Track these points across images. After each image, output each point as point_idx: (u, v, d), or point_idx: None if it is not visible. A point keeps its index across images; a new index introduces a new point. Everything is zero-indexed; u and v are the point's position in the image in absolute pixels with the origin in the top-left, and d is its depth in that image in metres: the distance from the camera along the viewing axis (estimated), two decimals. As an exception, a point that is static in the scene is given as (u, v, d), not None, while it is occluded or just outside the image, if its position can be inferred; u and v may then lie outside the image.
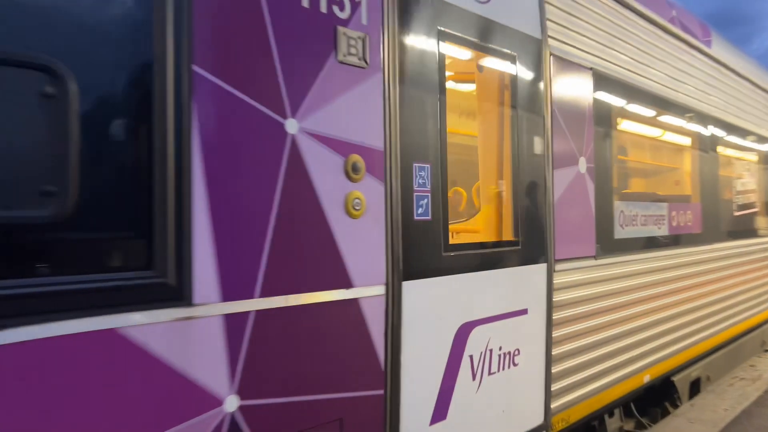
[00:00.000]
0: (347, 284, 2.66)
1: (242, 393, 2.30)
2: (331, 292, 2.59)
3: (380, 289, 2.80)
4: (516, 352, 3.64)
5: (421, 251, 3.01)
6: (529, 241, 3.73)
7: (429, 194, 3.05)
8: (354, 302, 2.69)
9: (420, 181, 3.00)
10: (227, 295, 2.25)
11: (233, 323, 2.27)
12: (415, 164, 2.97)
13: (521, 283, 3.68)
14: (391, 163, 2.86)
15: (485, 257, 3.42)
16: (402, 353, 2.90)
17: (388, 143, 2.84)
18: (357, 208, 2.69)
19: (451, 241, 3.20)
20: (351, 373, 2.69)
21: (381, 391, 2.82)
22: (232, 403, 2.27)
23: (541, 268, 3.83)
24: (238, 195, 2.28)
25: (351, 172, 2.66)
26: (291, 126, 2.46)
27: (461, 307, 3.25)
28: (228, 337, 2.26)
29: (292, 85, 2.47)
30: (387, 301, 2.83)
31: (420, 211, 3.00)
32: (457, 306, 3.22)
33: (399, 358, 2.88)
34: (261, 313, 2.35)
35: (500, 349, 3.52)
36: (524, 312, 3.71)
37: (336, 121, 2.62)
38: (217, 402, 2.23)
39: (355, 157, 2.69)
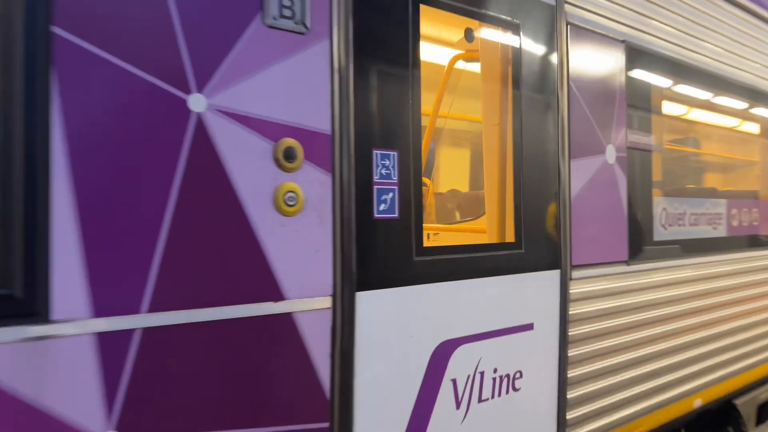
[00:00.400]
0: (276, 296, 2.19)
1: (123, 430, 1.88)
2: (252, 305, 2.13)
3: (324, 302, 2.32)
4: (517, 375, 3.07)
5: (383, 256, 2.51)
6: (534, 243, 3.14)
7: (396, 187, 2.54)
8: (286, 317, 2.22)
9: (383, 171, 2.49)
10: (101, 310, 1.83)
11: (110, 343, 1.85)
12: (376, 151, 2.47)
13: (524, 294, 3.10)
14: (342, 150, 2.36)
15: (474, 263, 2.87)
16: (355, 378, 2.41)
17: (338, 126, 2.35)
18: (291, 203, 2.21)
19: (429, 244, 2.68)
20: (281, 404, 2.22)
21: (325, 424, 2.34)
22: (109, 442, 1.86)
23: (551, 276, 3.24)
24: (117, 189, 1.86)
25: (282, 160, 2.19)
26: (196, 103, 2.01)
27: (440, 322, 2.72)
28: (103, 360, 1.84)
29: (198, 53, 2.02)
30: (334, 315, 2.34)
31: (382, 207, 2.49)
32: (435, 321, 2.69)
33: (351, 383, 2.39)
34: (151, 332, 1.92)
35: (495, 371, 2.96)
36: (528, 327, 3.13)
37: (262, 98, 2.16)
38: (89, 440, 1.82)
39: (289, 142, 2.21)
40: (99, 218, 1.82)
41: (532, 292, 3.14)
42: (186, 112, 1.99)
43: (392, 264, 2.54)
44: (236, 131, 2.09)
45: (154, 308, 1.92)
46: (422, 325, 2.64)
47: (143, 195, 1.90)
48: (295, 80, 2.25)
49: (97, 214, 1.82)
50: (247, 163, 2.12)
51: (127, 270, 1.87)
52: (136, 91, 1.90)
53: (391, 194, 2.52)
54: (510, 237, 3.11)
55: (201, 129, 2.02)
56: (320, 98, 2.31)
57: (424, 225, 2.67)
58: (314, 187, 2.29)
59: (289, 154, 2.20)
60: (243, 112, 2.11)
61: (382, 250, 2.50)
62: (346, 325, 2.37)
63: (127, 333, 1.88)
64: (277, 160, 2.18)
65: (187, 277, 1.99)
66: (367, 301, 2.44)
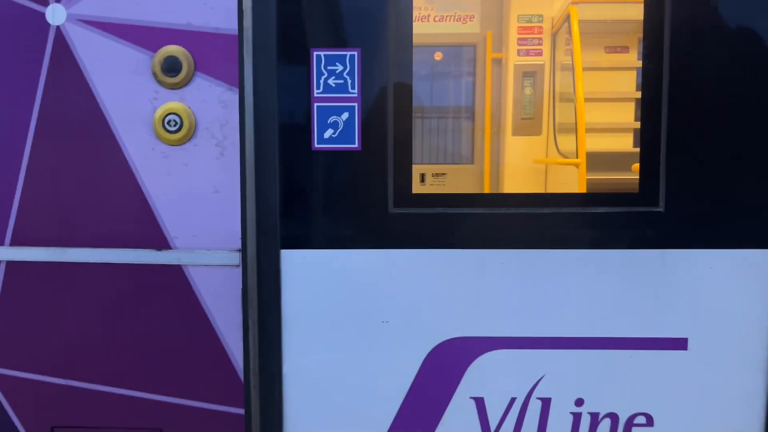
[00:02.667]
0: (158, 243, 1.79)
1: (-10, 361, 1.86)
2: (129, 251, 1.79)
3: (229, 257, 1.78)
4: (639, 420, 1.79)
5: (332, 202, 1.77)
6: (695, 198, 1.73)
7: (356, 104, 1.74)
8: (175, 270, 1.80)
9: (330, 81, 1.73)
10: (-37, 239, 1.82)
11: (-27, 274, 1.83)
12: (316, 52, 1.73)
13: (660, 285, 1.76)
14: (257, 54, 1.73)
15: (518, 223, 1.76)
16: (284, 361, 1.80)
17: (249, 20, 1.72)
18: (171, 128, 1.75)
19: (420, 188, 1.76)
20: (176, 370, 1.83)
21: (239, 410, 1.84)
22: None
23: (749, 258, 1.74)
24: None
25: (161, 74, 1.74)
26: (54, 14, 1.76)
27: (451, 309, 1.78)
28: (-31, 289, 1.84)
29: (53, -45, 1.75)
30: (245, 276, 1.78)
31: (329, 134, 1.74)
32: (437, 305, 1.78)
33: (277, 367, 1.79)
34: (14, 266, 1.82)
35: (579, 403, 1.79)
36: (674, 344, 1.77)
37: (135, -2, 1.74)
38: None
39: (171, 50, 1.74)
40: (-43, 146, 1.80)
41: (683, 284, 1.75)
42: (45, 26, 1.76)
43: (349, 216, 1.76)
44: (103, 43, 1.75)
45: (16, 242, 1.81)
46: (408, 308, 1.78)
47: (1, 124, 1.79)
48: (183, -33, 1.73)
49: (-45, 143, 1.80)
50: (117, 82, 1.76)
51: (-14, 200, 1.81)
52: (-12, 9, 1.77)
53: (346, 114, 1.74)
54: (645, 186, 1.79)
55: (61, 44, 1.76)
56: (221, -14, 1.73)
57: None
58: (211, 107, 1.75)
59: (171, 66, 1.73)
60: (111, 19, 1.75)
61: (329, 195, 1.76)
62: (264, 290, 1.77)
63: (-11, 265, 1.83)
64: (155, 75, 1.75)
65: (53, 212, 1.80)
66: (300, 263, 1.77)
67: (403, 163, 1.75)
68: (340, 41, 1.72)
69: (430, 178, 4.64)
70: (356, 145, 1.74)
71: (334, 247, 1.77)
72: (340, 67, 1.72)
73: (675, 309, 1.74)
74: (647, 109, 1.71)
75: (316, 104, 1.73)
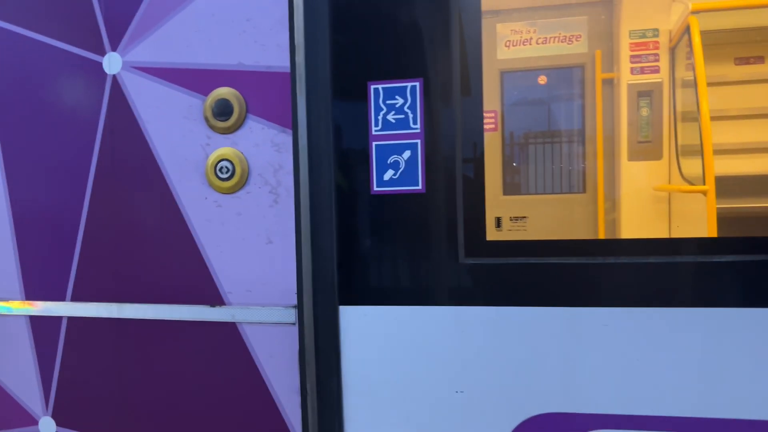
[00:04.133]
0: (212, 298, 1.66)
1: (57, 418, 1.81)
2: (181, 307, 1.68)
3: (284, 314, 1.62)
4: None
5: (394, 252, 1.56)
6: None
7: (419, 141, 1.53)
8: (229, 328, 1.66)
9: (390, 117, 1.54)
10: (30, 294, 1.80)
11: (42, 327, 1.80)
12: (373, 85, 1.55)
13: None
14: (310, 92, 1.58)
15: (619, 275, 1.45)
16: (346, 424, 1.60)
17: (302, 56, 1.58)
18: (224, 175, 1.63)
19: (495, 236, 1.51)
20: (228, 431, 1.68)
21: (298, 488, 1.65)
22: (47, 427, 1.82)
23: None
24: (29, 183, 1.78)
25: (212, 118, 1.63)
26: (111, 63, 1.72)
27: (538, 379, 1.50)
28: (36, 342, 1.81)
29: (108, 4, 1.71)
30: (302, 335, 1.60)
31: (389, 175, 1.55)
32: (524, 375, 1.50)
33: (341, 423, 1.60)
34: (74, 321, 1.77)
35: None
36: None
37: (185, 40, 1.66)
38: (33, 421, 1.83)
39: (222, 93, 1.63)
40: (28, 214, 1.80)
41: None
42: (102, 76, 1.72)
43: (414, 267, 1.55)
44: (156, 89, 1.68)
45: (76, 298, 1.76)
46: (487, 376, 1.52)
47: (60, 186, 1.77)
48: (232, 4, 1.63)
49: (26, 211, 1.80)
50: (170, 128, 1.68)
51: (51, 259, 1.78)
52: (38, 55, 1.76)
53: (407, 153, 1.53)
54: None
55: (117, 93, 1.71)
56: (269, 19, 1.60)
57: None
58: (263, 151, 1.62)
59: (222, 110, 1.62)
60: (163, 64, 1.67)
61: (391, 244, 1.56)
62: (322, 351, 1.59)
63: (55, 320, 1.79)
64: (206, 119, 1.65)
65: (111, 266, 1.74)
66: (361, 321, 1.57)
67: (474, 206, 1.51)
68: (399, 72, 1.53)
69: (507, 222, 4.32)
70: (420, 187, 1.53)
71: (398, 303, 1.55)
72: (400, 101, 1.53)
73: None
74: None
75: (374, 143, 1.55)
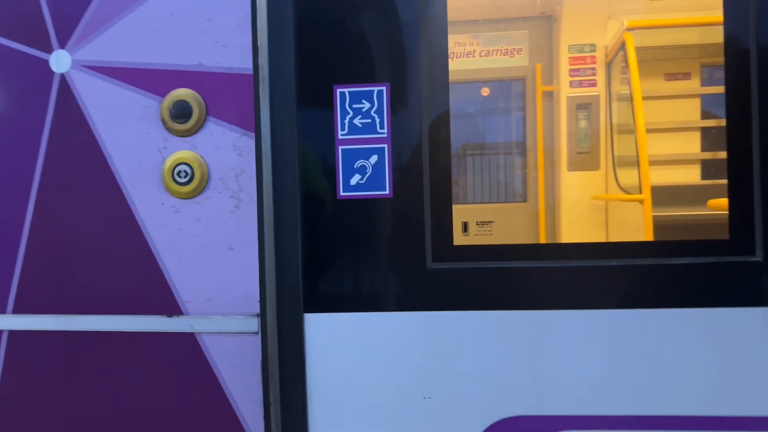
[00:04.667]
0: (170, 308, 1.59)
1: (-7, 441, 1.68)
2: (136, 317, 1.60)
3: (246, 323, 1.57)
4: None
5: (359, 258, 1.54)
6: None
7: (385, 146, 1.52)
8: (188, 339, 1.59)
9: (356, 121, 1.52)
10: (-36, 307, 1.67)
11: (-26, 345, 1.68)
12: (339, 89, 1.53)
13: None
14: (274, 95, 1.55)
15: (586, 278, 1.48)
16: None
17: (265, 58, 1.54)
18: (182, 179, 1.57)
19: (461, 240, 1.52)
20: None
21: (261, 503, 1.59)
22: (-16, 452, 1.69)
23: None
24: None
25: (170, 120, 1.57)
26: (58, 61, 1.62)
27: (505, 382, 1.50)
28: (-30, 362, 1.68)
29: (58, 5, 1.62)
30: (264, 346, 1.56)
31: (356, 180, 1.53)
32: (491, 379, 1.51)
33: (303, 450, 1.55)
34: (16, 335, 1.66)
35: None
36: (783, 424, 1.44)
37: (142, 39, 1.59)
38: (-33, 444, 1.70)
39: (181, 94, 1.57)
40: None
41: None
42: (49, 74, 1.63)
43: (381, 273, 1.53)
44: (109, 90, 1.60)
45: (18, 310, 1.65)
46: (454, 381, 1.51)
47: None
48: (192, 3, 1.58)
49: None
50: (123, 130, 1.60)
51: (-12, 265, 1.66)
52: (-8, 60, 1.65)
53: (374, 158, 1.52)
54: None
55: (65, 92, 1.62)
56: (230, 20, 1.56)
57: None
58: (224, 155, 1.57)
59: (181, 112, 1.56)
60: (116, 63, 1.60)
61: (358, 250, 1.54)
62: (286, 360, 1.55)
63: (-8, 335, 1.67)
64: (163, 121, 1.58)
65: (57, 275, 1.64)
66: (326, 329, 1.54)
67: (441, 211, 1.51)
68: (366, 75, 1.51)
69: (474, 227, 4.39)
70: (387, 192, 1.51)
71: (365, 309, 1.53)
72: (367, 105, 1.51)
73: (783, 380, 1.42)
74: (734, 139, 1.42)
75: (340, 147, 1.53)
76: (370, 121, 1.52)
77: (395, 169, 1.51)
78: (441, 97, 1.53)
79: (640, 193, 3.39)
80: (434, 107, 1.51)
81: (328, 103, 1.52)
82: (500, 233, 4.42)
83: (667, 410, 1.45)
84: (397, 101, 1.51)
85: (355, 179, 1.52)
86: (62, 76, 1.62)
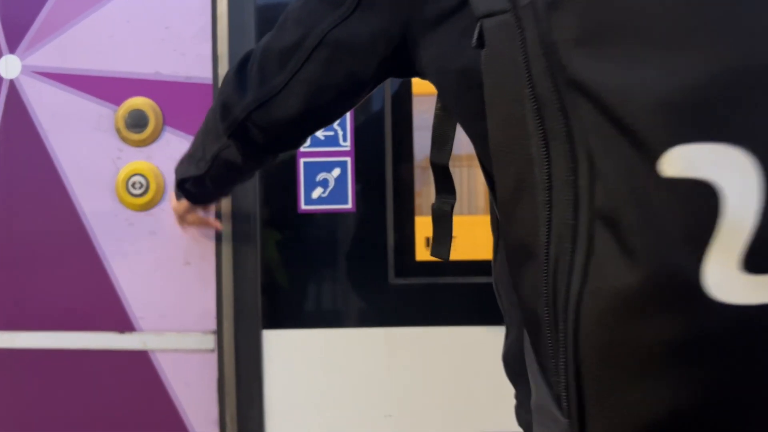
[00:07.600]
0: (121, 324, 1.53)
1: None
2: (86, 334, 1.53)
3: (203, 340, 1.52)
4: None
5: (321, 273, 1.50)
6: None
7: (349, 158, 1.50)
8: (140, 357, 1.53)
9: (318, 133, 1.50)
10: None
11: None
12: (301, 101, 1.49)
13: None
14: (235, 105, 1.51)
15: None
16: (268, 464, 1.51)
17: (225, 68, 1.51)
18: (137, 191, 1.51)
19: (424, 255, 1.51)
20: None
21: None
22: None
23: None
24: None
25: (125, 130, 1.52)
26: (7, 67, 1.56)
27: (470, 399, 1.48)
28: None
29: (6, 1, 1.56)
30: (221, 363, 1.51)
31: (318, 193, 1.50)
32: (455, 396, 1.49)
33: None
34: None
35: None
36: None
37: (96, 47, 1.54)
38: None
39: (136, 103, 1.52)
40: None
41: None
42: (-4, 80, 1.56)
43: (342, 289, 1.50)
44: (61, 97, 1.54)
45: (-40, 326, 1.56)
46: (416, 399, 1.48)
47: None
48: (150, 11, 1.53)
49: None
50: (76, 140, 1.54)
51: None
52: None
53: (337, 171, 1.49)
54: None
55: (14, 97, 1.55)
56: (190, 28, 1.52)
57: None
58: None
59: (136, 121, 1.51)
60: (69, 70, 1.54)
61: (318, 265, 1.50)
62: (243, 379, 1.50)
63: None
64: (118, 131, 1.53)
65: (1, 289, 1.56)
66: (285, 346, 1.50)
67: (404, 226, 1.49)
68: (328, 87, 1.49)
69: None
70: (349, 206, 1.49)
71: (326, 325, 1.50)
72: (330, 117, 1.48)
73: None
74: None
75: (302, 159, 1.50)
76: (332, 133, 1.49)
77: (358, 182, 1.48)
78: (405, 109, 1.51)
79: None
80: (398, 120, 1.50)
81: (289, 114, 1.49)
82: (463, 247, 4.44)
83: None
84: (361, 114, 1.49)
85: (317, 192, 1.49)
86: (11, 82, 1.55)
